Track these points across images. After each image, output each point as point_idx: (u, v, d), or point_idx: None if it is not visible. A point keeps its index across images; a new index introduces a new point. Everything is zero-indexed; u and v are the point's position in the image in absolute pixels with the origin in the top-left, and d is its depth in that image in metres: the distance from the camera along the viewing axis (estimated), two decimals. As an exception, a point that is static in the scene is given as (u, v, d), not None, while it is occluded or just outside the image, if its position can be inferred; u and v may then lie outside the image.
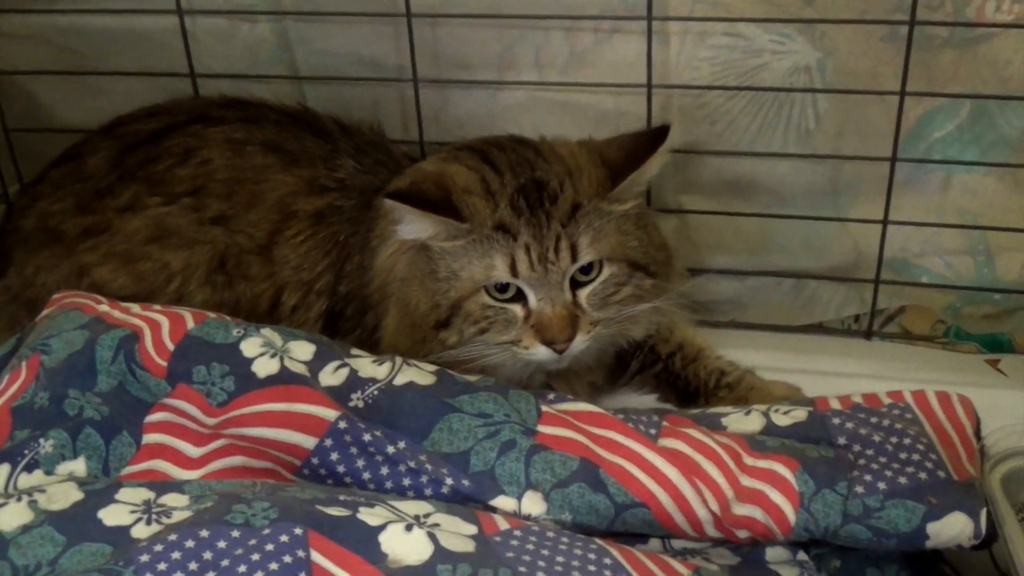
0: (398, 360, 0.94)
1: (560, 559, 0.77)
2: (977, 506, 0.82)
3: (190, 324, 0.94)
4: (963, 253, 1.17)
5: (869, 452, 0.87)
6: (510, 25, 1.16)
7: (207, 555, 0.73)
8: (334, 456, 0.86)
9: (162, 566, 0.72)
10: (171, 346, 0.91)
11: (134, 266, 1.08)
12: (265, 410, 0.87)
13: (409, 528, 0.77)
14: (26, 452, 0.86)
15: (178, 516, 0.78)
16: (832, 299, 1.22)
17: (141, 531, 0.76)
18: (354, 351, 0.95)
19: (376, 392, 0.90)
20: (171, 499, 0.80)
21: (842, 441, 0.88)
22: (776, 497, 0.84)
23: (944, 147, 1.12)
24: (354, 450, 0.86)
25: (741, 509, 0.84)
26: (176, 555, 0.73)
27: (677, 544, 0.88)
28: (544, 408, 0.90)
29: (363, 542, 0.75)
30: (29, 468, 0.86)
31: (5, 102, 1.29)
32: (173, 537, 0.74)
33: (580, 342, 0.96)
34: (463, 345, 0.97)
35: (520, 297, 0.96)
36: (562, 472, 0.85)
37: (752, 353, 1.12)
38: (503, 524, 0.80)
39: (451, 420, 0.88)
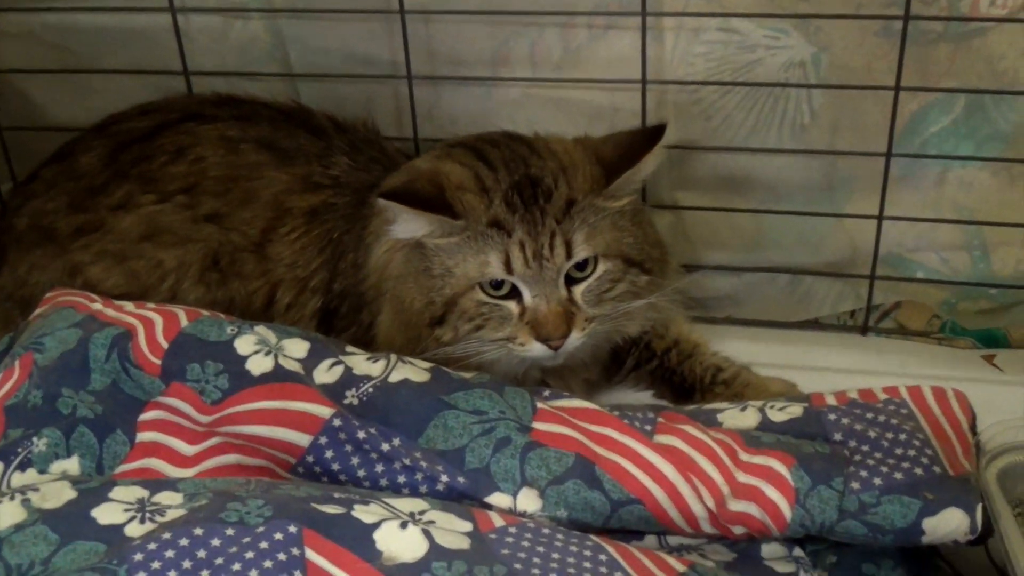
0: (393, 357, 0.93)
1: (555, 556, 0.77)
2: (973, 501, 0.82)
3: (184, 322, 0.93)
4: (959, 248, 1.16)
5: (865, 448, 0.87)
6: (504, 21, 1.16)
7: (201, 553, 0.73)
8: (329, 454, 0.86)
9: (156, 564, 0.72)
10: (165, 344, 0.91)
11: (127, 264, 1.08)
12: (259, 408, 0.87)
13: (404, 525, 0.76)
14: (19, 451, 0.86)
15: (172, 514, 0.77)
16: (828, 295, 1.22)
17: (135, 529, 0.76)
18: (349, 348, 0.95)
19: (371, 389, 0.90)
20: (165, 497, 0.80)
21: (838, 437, 0.88)
22: (772, 493, 0.84)
23: (939, 142, 1.12)
24: (349, 447, 0.86)
25: (737, 505, 0.84)
26: (170, 553, 0.72)
27: (673, 540, 0.88)
28: (539, 405, 0.90)
29: (358, 540, 0.75)
30: (22, 467, 0.85)
31: (-2, 100, 1.29)
32: (167, 535, 0.74)
33: (575, 339, 0.96)
34: (458, 342, 0.97)
35: (515, 294, 0.96)
36: (557, 469, 0.85)
37: (748, 349, 1.12)
38: (498, 521, 0.80)
39: (446, 417, 0.88)
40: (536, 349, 0.96)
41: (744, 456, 0.86)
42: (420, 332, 0.99)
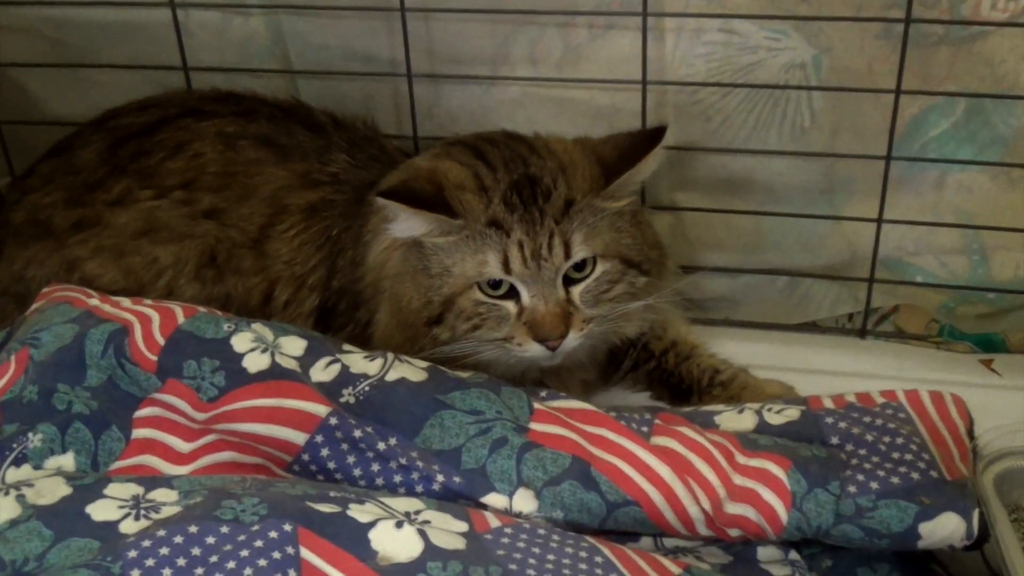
0: (390, 356, 0.93)
1: (551, 557, 0.77)
2: (969, 506, 0.82)
3: (180, 318, 0.93)
4: (958, 252, 1.16)
5: (862, 452, 0.87)
6: (504, 20, 1.16)
7: (195, 551, 0.73)
8: (324, 452, 0.86)
9: (150, 562, 0.72)
10: (161, 341, 0.91)
11: (124, 260, 1.07)
12: (255, 406, 0.87)
13: (399, 525, 0.76)
14: (14, 446, 0.86)
15: (167, 511, 0.77)
16: (826, 297, 1.22)
17: (129, 526, 0.76)
18: (346, 347, 0.95)
19: (367, 388, 0.90)
20: (160, 494, 0.80)
21: (835, 440, 0.88)
22: (768, 496, 0.84)
23: (939, 145, 1.12)
24: (345, 446, 0.86)
25: (733, 508, 0.84)
26: (164, 551, 0.72)
27: (669, 542, 0.87)
28: (536, 405, 0.90)
29: (353, 539, 0.74)
30: (17, 462, 0.85)
31: (-4, 94, 1.29)
32: (161, 533, 0.74)
33: (573, 339, 0.95)
34: (455, 342, 0.97)
35: (513, 294, 0.96)
36: (554, 470, 0.85)
37: (745, 351, 1.12)
38: (494, 522, 0.80)
39: (443, 417, 0.88)
40: (534, 349, 0.95)
41: (741, 459, 0.86)
42: (418, 331, 0.98)
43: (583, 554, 0.77)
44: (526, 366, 1.01)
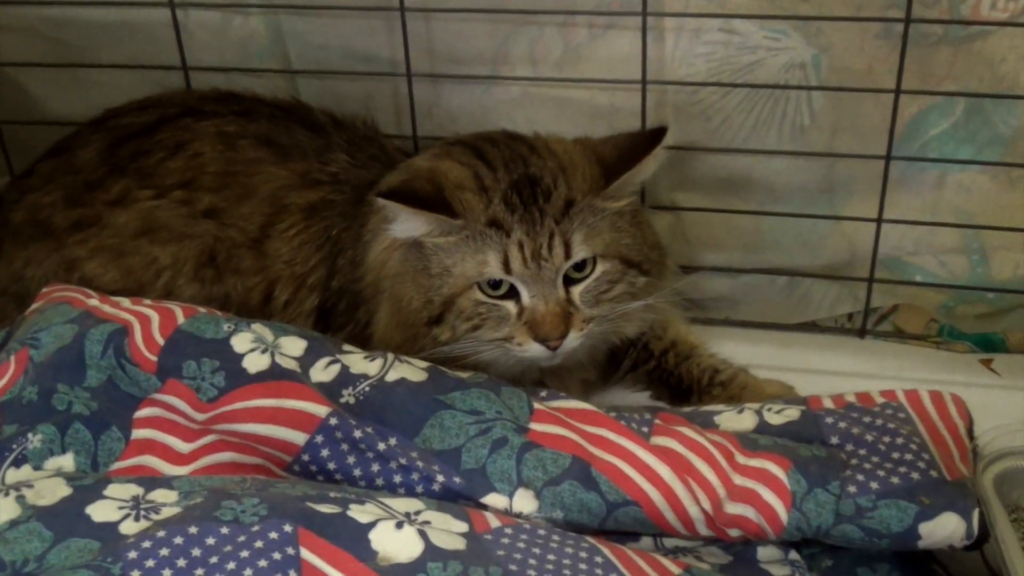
0: (390, 356, 0.93)
1: (551, 557, 0.76)
2: (969, 506, 0.82)
3: (180, 319, 0.93)
4: (957, 252, 1.16)
5: (862, 452, 0.87)
6: (504, 20, 1.15)
7: (196, 551, 0.72)
8: (325, 452, 0.86)
9: (150, 563, 0.72)
10: (161, 341, 0.91)
11: (123, 260, 1.07)
12: (255, 406, 0.87)
13: (400, 525, 0.76)
14: (14, 447, 0.86)
15: (167, 512, 0.77)
16: (825, 297, 1.22)
17: (129, 527, 0.76)
18: (346, 347, 0.95)
19: (367, 388, 0.90)
20: (160, 495, 0.80)
21: (835, 440, 0.88)
22: (768, 496, 0.84)
23: (939, 145, 1.12)
24: (345, 447, 0.86)
25: (733, 508, 0.84)
26: (164, 551, 0.72)
27: (669, 542, 0.88)
28: (536, 405, 0.90)
29: (353, 539, 0.74)
30: (17, 463, 0.85)
31: (-4, 94, 1.29)
32: (161, 533, 0.73)
33: (573, 339, 0.95)
34: (456, 342, 0.97)
35: (513, 294, 0.95)
36: (554, 470, 0.85)
37: (745, 351, 1.11)
38: (494, 522, 0.80)
39: (443, 417, 0.88)
40: (534, 349, 0.95)
41: (741, 459, 0.86)
42: (418, 331, 0.98)
43: (583, 554, 0.77)
44: (526, 366, 1.01)
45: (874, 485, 0.83)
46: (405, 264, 0.99)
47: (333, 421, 0.86)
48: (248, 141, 1.10)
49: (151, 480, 0.83)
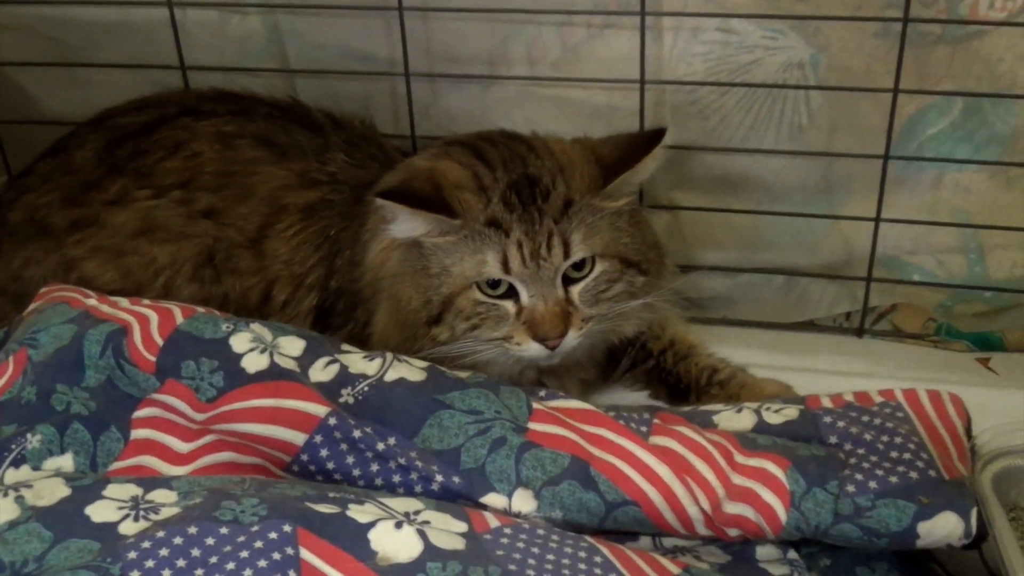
0: (389, 356, 0.93)
1: (550, 557, 0.76)
2: (968, 505, 0.82)
3: (179, 319, 0.93)
4: (955, 251, 1.16)
5: (860, 451, 0.87)
6: (502, 19, 1.15)
7: (195, 552, 0.72)
8: (324, 452, 0.86)
9: (149, 563, 0.71)
10: (160, 341, 0.91)
11: (122, 260, 1.07)
12: (254, 406, 0.87)
13: (399, 525, 0.76)
14: (13, 447, 0.86)
15: (166, 512, 0.77)
16: (823, 296, 1.22)
17: (129, 527, 0.76)
18: (344, 347, 0.95)
19: (366, 388, 0.89)
20: (159, 495, 0.80)
21: (833, 440, 0.88)
22: (767, 496, 0.84)
23: (936, 144, 1.12)
24: (344, 447, 0.86)
25: (732, 508, 0.84)
26: (164, 552, 0.72)
27: (667, 542, 0.87)
28: (535, 405, 0.90)
29: (353, 539, 0.74)
30: (16, 463, 0.85)
31: (-7, 94, 1.28)
32: (161, 534, 0.73)
33: (572, 339, 0.95)
34: (454, 341, 0.97)
35: (512, 293, 0.95)
36: (553, 470, 0.85)
37: (743, 350, 1.11)
38: (493, 522, 0.80)
39: (442, 417, 0.87)
40: (533, 349, 0.95)
41: (739, 458, 0.86)
42: (416, 331, 0.98)
43: (582, 554, 0.77)
44: (525, 366, 1.01)
45: (872, 484, 0.83)
46: (404, 264, 0.99)
47: (332, 421, 0.86)
48: (246, 141, 1.10)
49: (150, 480, 0.82)
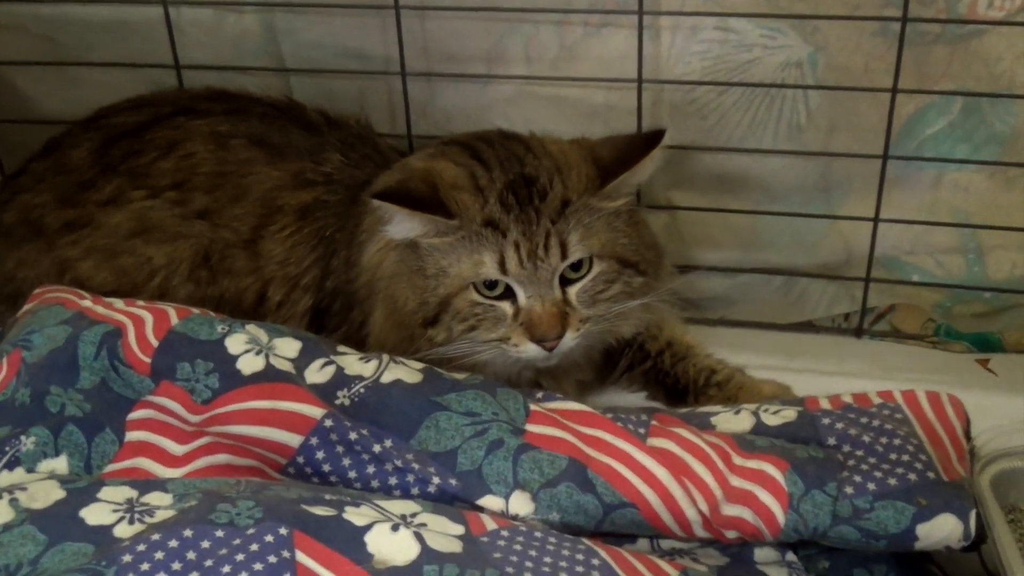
0: (385, 358, 0.93)
1: (548, 560, 0.76)
2: (967, 507, 0.82)
3: (174, 320, 0.93)
4: (954, 251, 1.16)
5: (859, 452, 0.87)
6: (499, 18, 1.15)
7: (191, 555, 0.72)
8: (320, 455, 0.86)
9: (145, 566, 0.71)
10: (155, 342, 0.91)
11: (116, 261, 1.07)
12: (250, 408, 0.87)
13: (395, 528, 0.76)
14: (7, 449, 0.85)
15: (161, 515, 0.77)
16: (822, 297, 1.22)
17: (124, 530, 0.76)
18: (340, 348, 0.95)
19: (362, 390, 0.89)
20: (154, 498, 0.79)
21: (832, 441, 0.88)
22: (765, 498, 0.84)
23: (936, 144, 1.12)
24: (340, 449, 0.86)
25: (730, 510, 0.84)
26: (159, 555, 0.72)
27: (665, 544, 0.87)
28: (532, 407, 0.90)
29: (349, 542, 0.74)
30: (10, 466, 0.85)
31: (-14, 93, 1.28)
32: (156, 537, 0.73)
33: (570, 339, 0.95)
34: (451, 343, 0.97)
35: (509, 294, 0.95)
36: (550, 472, 0.85)
37: (741, 351, 1.11)
38: (490, 524, 0.80)
39: (438, 418, 0.87)
40: (530, 350, 0.95)
41: (738, 460, 0.86)
42: (413, 332, 0.98)
43: (580, 556, 0.77)
44: (522, 367, 1.00)
45: (871, 486, 0.83)
46: (400, 265, 0.98)
47: (328, 423, 0.86)
48: (241, 141, 1.09)
49: (145, 483, 0.82)
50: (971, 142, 1.11)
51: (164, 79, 1.21)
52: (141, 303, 0.97)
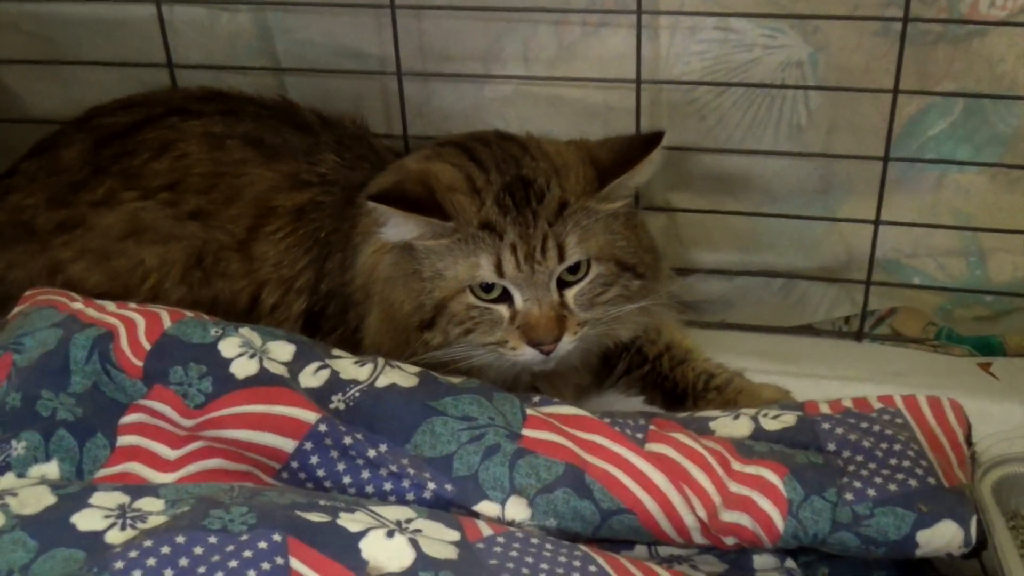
0: (380, 361, 0.93)
1: (544, 566, 0.76)
2: (967, 514, 0.82)
3: (167, 323, 0.93)
4: (955, 254, 1.16)
5: (859, 458, 0.86)
6: (497, 17, 1.15)
7: (183, 562, 0.72)
8: (314, 460, 0.85)
9: (136, 573, 0.71)
10: (147, 346, 0.90)
11: (109, 263, 1.06)
12: (243, 412, 0.86)
13: (391, 534, 0.76)
14: (-3, 454, 0.85)
15: (153, 521, 0.76)
16: (822, 300, 1.22)
17: (115, 536, 0.75)
18: (335, 352, 0.94)
19: (357, 394, 0.89)
20: (146, 503, 0.79)
21: (832, 447, 0.88)
22: (764, 504, 0.83)
23: (937, 145, 1.12)
24: (334, 453, 0.85)
25: (729, 516, 0.84)
26: (151, 562, 0.71)
27: (663, 551, 0.87)
28: (529, 411, 0.90)
29: (343, 549, 0.74)
30: (1, 471, 0.85)
31: (-23, 92, 1.27)
32: (148, 543, 0.73)
33: (567, 343, 0.95)
34: (448, 346, 0.96)
35: (506, 297, 0.95)
36: (547, 477, 0.84)
37: (741, 355, 1.11)
38: (486, 530, 0.79)
39: (434, 423, 0.87)
40: (527, 354, 0.95)
41: (737, 466, 0.86)
42: (409, 336, 0.98)
43: (577, 563, 0.77)
44: (519, 371, 1.00)
45: (871, 492, 0.83)
46: (396, 267, 0.98)
47: (322, 428, 0.85)
48: (235, 141, 1.09)
49: (137, 488, 0.82)
50: (973, 143, 1.11)
51: (157, 78, 1.20)
52: (133, 306, 0.96)
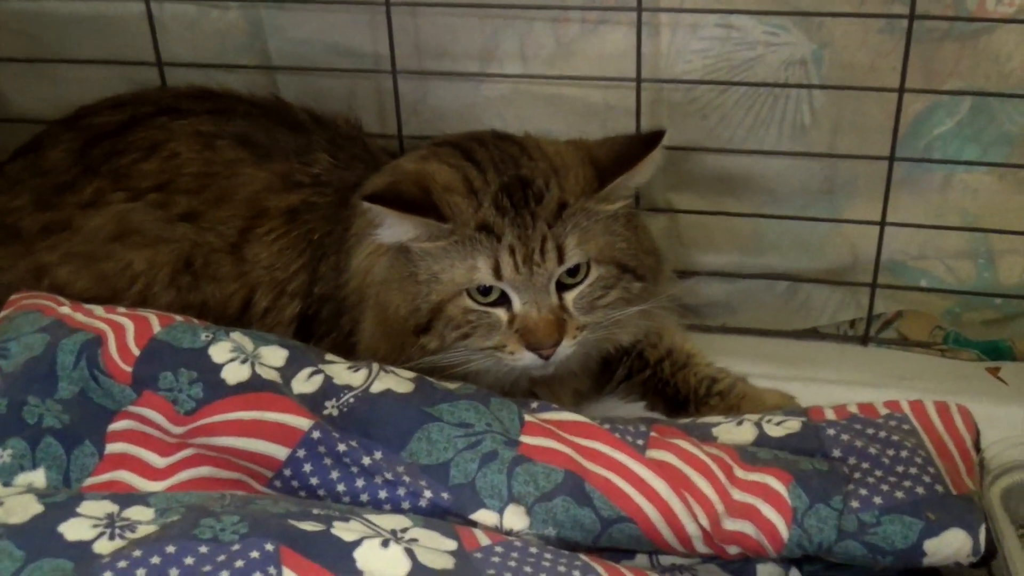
0: (375, 366, 0.92)
1: (543, 576, 0.75)
2: (976, 522, 0.81)
3: (156, 328, 0.92)
4: (963, 256, 1.16)
5: (865, 465, 0.86)
6: (494, 15, 1.14)
7: (173, 572, 0.71)
8: (307, 467, 0.85)
9: (126, 583, 0.70)
10: (136, 351, 0.90)
11: (96, 266, 1.05)
12: (235, 419, 0.86)
13: (386, 544, 0.75)
14: (-18, 462, 0.84)
15: (143, 530, 0.76)
16: (827, 303, 1.21)
17: (104, 546, 0.74)
18: (329, 357, 0.94)
19: (352, 400, 0.88)
20: (135, 512, 0.78)
21: (837, 453, 0.87)
22: (768, 512, 0.83)
23: (944, 144, 1.11)
24: (328, 461, 0.85)
25: (732, 524, 0.83)
26: (140, 572, 0.71)
27: (665, 560, 0.87)
28: (527, 417, 0.89)
29: (337, 558, 0.73)
30: (-14, 479, 0.84)
31: (-39, 91, 1.26)
32: (137, 553, 0.72)
33: (566, 347, 0.94)
34: (444, 351, 0.96)
35: (504, 301, 0.94)
36: (546, 485, 0.84)
37: (744, 359, 1.10)
38: (484, 539, 0.79)
39: (430, 430, 0.86)
40: (526, 358, 0.94)
41: (740, 473, 0.85)
42: (405, 340, 0.97)
43: (576, 572, 0.76)
44: (517, 375, 0.99)
45: (878, 500, 0.82)
46: (391, 270, 0.97)
47: (316, 434, 0.85)
48: (226, 141, 1.08)
49: (126, 497, 0.81)
50: (980, 142, 1.10)
51: (146, 77, 1.19)
52: (122, 310, 0.96)
